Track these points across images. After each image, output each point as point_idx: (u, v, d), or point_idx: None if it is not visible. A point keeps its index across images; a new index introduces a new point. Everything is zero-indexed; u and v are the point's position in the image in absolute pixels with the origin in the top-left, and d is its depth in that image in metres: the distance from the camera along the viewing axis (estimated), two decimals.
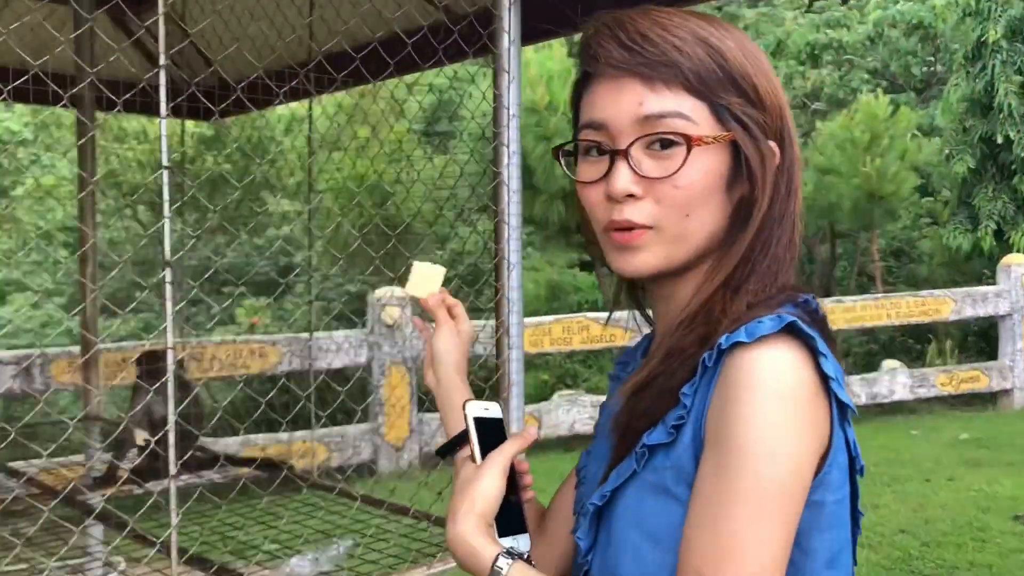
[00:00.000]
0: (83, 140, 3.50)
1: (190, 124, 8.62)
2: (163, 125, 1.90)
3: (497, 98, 2.55)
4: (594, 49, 0.94)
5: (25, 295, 11.41)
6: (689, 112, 0.91)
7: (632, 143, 0.92)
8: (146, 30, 4.27)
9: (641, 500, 0.90)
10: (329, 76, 2.92)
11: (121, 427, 3.37)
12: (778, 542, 0.81)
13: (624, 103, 0.92)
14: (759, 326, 0.84)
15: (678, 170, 0.90)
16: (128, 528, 2.07)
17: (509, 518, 0.95)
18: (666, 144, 0.91)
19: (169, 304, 1.93)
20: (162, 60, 1.87)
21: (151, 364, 3.62)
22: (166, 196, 1.93)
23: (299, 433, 6.10)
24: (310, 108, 3.39)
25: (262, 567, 2.26)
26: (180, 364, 3.57)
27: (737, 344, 0.84)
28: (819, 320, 0.91)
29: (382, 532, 2.76)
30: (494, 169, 2.61)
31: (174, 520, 1.95)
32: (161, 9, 1.83)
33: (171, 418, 1.91)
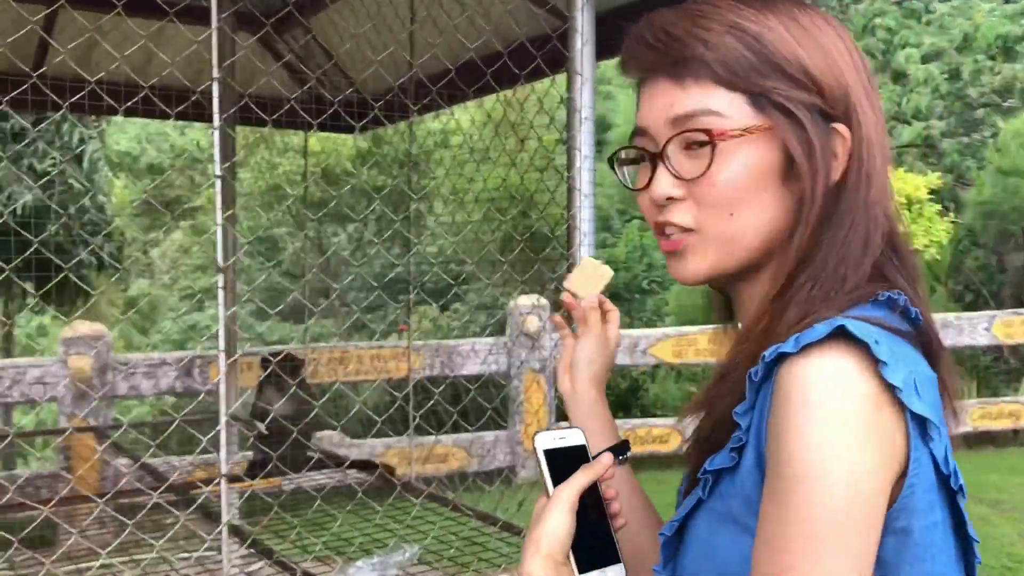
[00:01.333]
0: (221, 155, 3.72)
1: (347, 138, 9.04)
2: (216, 135, 2.00)
3: (570, 101, 2.52)
4: (626, 55, 0.93)
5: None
6: (720, 107, 0.86)
7: (665, 145, 0.89)
8: (287, 47, 4.52)
9: (711, 530, 0.84)
10: (428, 92, 3.04)
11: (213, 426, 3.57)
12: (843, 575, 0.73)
13: (658, 106, 0.90)
14: (808, 333, 0.76)
15: (708, 168, 0.86)
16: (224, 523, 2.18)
17: (596, 549, 0.89)
18: (700, 143, 0.87)
19: (221, 309, 2.03)
20: (215, 73, 1.97)
21: (274, 366, 3.81)
22: (218, 204, 2.03)
23: (428, 438, 6.25)
24: (410, 127, 3.47)
25: (326, 563, 2.34)
26: (297, 367, 3.73)
27: (784, 355, 0.76)
28: (912, 321, 0.83)
29: (472, 540, 2.78)
30: (566, 173, 2.59)
31: (224, 516, 2.04)
32: (213, 28, 1.92)
33: (222, 419, 2.01)
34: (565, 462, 0.92)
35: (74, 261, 6.93)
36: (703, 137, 0.86)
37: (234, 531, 2.94)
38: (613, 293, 11.75)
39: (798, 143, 0.85)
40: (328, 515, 2.84)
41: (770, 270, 0.89)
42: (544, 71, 2.85)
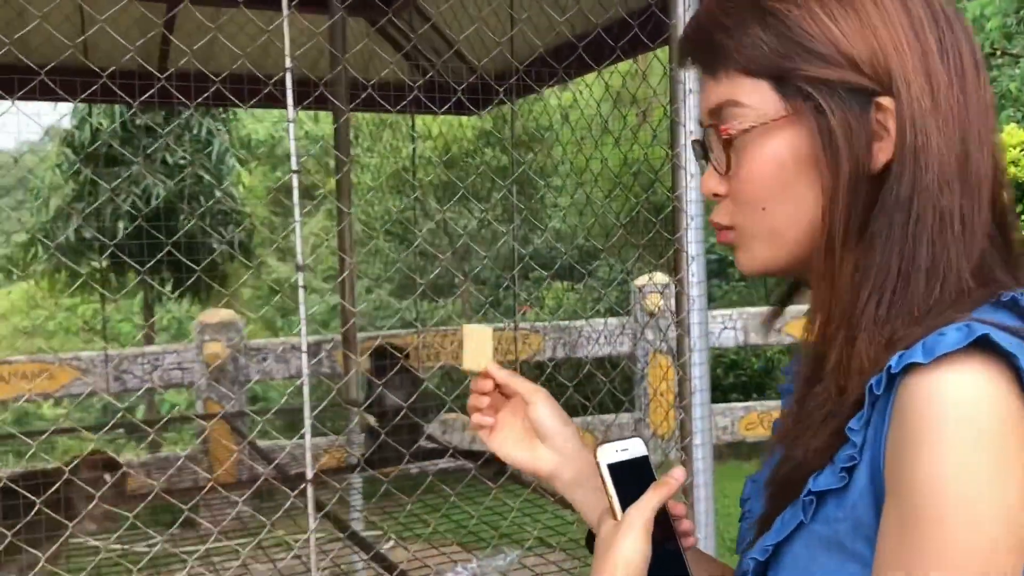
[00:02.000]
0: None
1: (468, 120, 9.02)
2: (291, 128, 1.93)
3: (673, 72, 2.34)
4: (678, 51, 0.98)
5: (362, 282, 12.61)
6: (745, 96, 0.81)
7: (703, 142, 0.87)
8: (398, 30, 4.49)
9: (812, 557, 0.75)
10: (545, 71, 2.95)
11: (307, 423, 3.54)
12: None
13: (703, 100, 0.88)
14: (940, 340, 0.67)
15: (727, 163, 0.83)
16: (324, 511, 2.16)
17: (666, 565, 0.86)
18: (727, 138, 0.84)
19: (303, 308, 1.97)
20: (287, 63, 1.91)
21: (380, 358, 3.81)
22: (296, 200, 1.97)
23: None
24: (512, 112, 3.35)
25: (434, 553, 2.28)
26: (401, 356, 3.70)
27: (913, 365, 0.68)
28: None
29: (568, 539, 2.67)
30: (669, 150, 2.40)
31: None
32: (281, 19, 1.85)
33: (307, 422, 1.96)
34: (630, 476, 0.88)
35: (207, 259, 7.19)
36: (717, 131, 0.83)
37: (338, 524, 2.93)
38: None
39: (818, 128, 0.78)
40: (430, 506, 2.78)
41: (841, 264, 0.80)
42: (647, 44, 2.67)
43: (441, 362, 6.47)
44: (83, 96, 3.35)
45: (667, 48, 2.49)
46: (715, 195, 0.86)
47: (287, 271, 15.16)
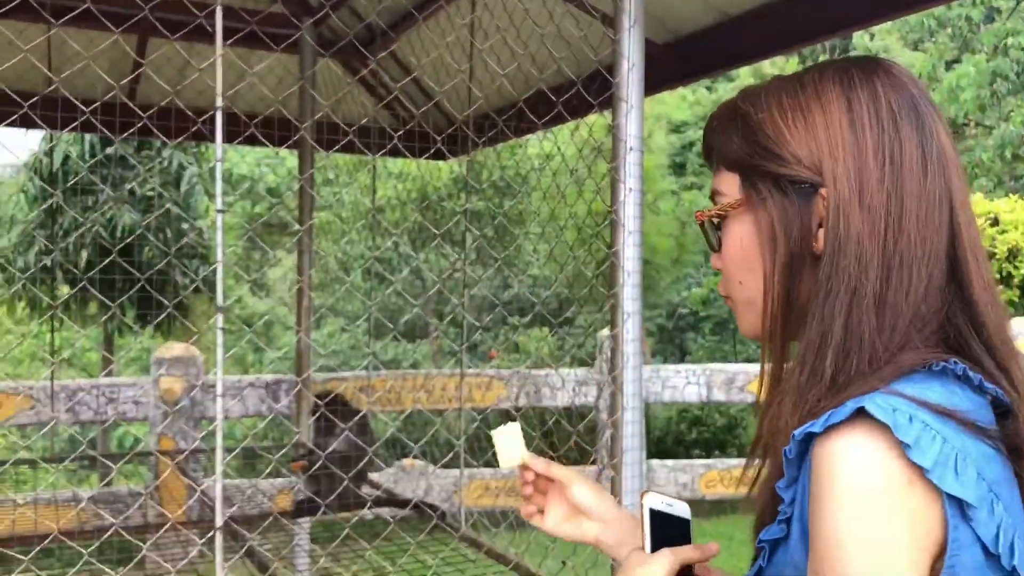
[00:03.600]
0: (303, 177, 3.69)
1: (446, 165, 9.05)
2: (218, 167, 1.90)
3: (615, 129, 2.33)
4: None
5: (337, 320, 12.53)
6: (723, 187, 0.96)
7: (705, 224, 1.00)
8: (371, 72, 4.49)
9: None
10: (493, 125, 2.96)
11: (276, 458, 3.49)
12: None
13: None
14: (836, 412, 0.78)
15: (716, 242, 0.98)
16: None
17: None
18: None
19: (220, 350, 1.93)
20: (218, 102, 1.88)
21: (320, 400, 3.74)
22: (219, 240, 1.93)
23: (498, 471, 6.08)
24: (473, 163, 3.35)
25: None
26: (337, 400, 3.64)
27: (813, 435, 0.79)
28: (976, 388, 0.83)
29: None
30: (609, 208, 2.39)
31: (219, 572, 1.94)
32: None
33: (219, 468, 1.90)
34: (667, 528, 0.96)
35: (173, 294, 7.11)
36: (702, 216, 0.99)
37: (262, 569, 2.85)
38: (718, 323, 11.37)
39: (761, 215, 0.91)
40: (383, 552, 2.69)
41: (782, 335, 0.93)
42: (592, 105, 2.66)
43: (403, 406, 6.40)
44: (47, 125, 3.32)
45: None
46: (715, 268, 1.00)
47: (262, 306, 15.07)
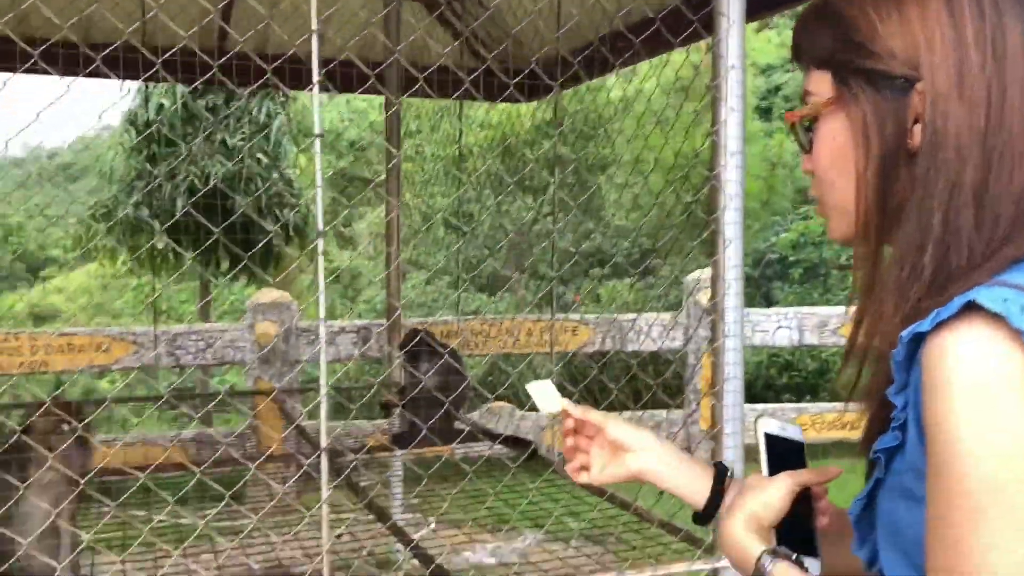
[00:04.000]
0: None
1: (527, 109, 8.97)
2: (315, 90, 1.91)
3: (715, 46, 2.26)
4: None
5: (421, 273, 12.69)
6: (814, 87, 0.94)
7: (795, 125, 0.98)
8: (454, 14, 4.46)
9: (892, 506, 0.85)
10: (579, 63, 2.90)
11: (370, 393, 3.55)
12: (1009, 548, 0.73)
13: None
14: (944, 309, 0.77)
15: (807, 144, 0.95)
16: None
17: (798, 538, 0.94)
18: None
19: (321, 275, 1.95)
20: (313, 25, 1.88)
21: (409, 339, 3.79)
22: (318, 166, 1.94)
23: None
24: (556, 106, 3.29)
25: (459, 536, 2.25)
26: (426, 336, 3.67)
27: (922, 334, 0.78)
28: None
29: (599, 525, 2.61)
30: (711, 129, 2.32)
31: (324, 493, 1.98)
32: None
33: (323, 390, 1.93)
34: (783, 452, 0.97)
35: (263, 241, 7.26)
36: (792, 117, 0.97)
37: (360, 496, 2.91)
38: (807, 268, 11.10)
39: (853, 112, 0.89)
40: (465, 491, 2.73)
41: (878, 239, 0.91)
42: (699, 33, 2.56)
43: (489, 351, 6.45)
44: (144, 76, 3.38)
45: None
46: (806, 171, 0.98)
47: (347, 260, 15.32)
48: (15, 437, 1.93)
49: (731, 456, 2.32)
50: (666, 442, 1.15)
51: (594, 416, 1.16)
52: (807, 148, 0.95)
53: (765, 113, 13.31)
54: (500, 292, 11.13)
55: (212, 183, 6.97)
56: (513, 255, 10.75)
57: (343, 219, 14.07)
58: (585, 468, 1.17)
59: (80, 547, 2.03)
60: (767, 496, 0.94)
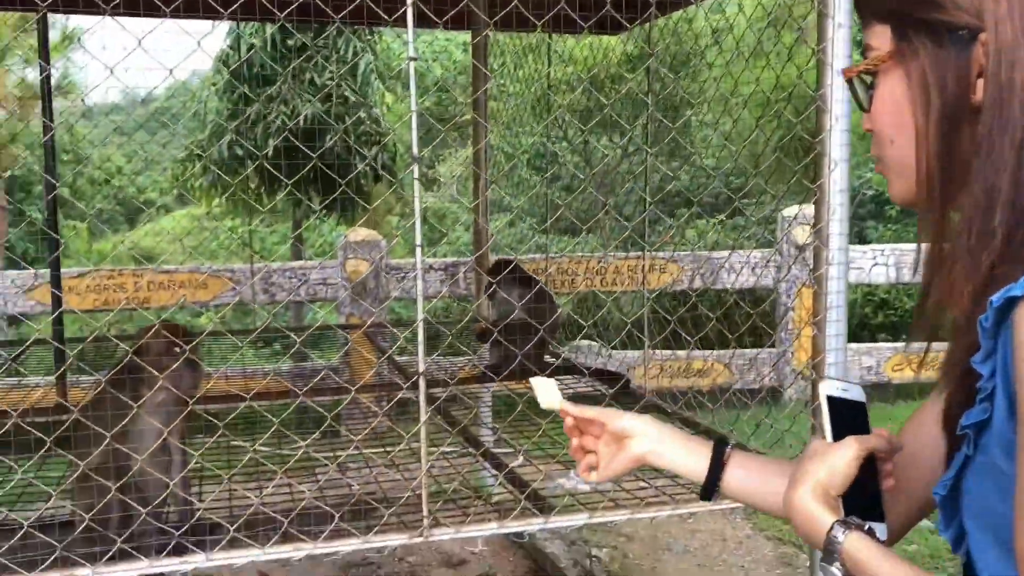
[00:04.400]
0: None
1: (615, 42, 8.77)
2: (409, 17, 1.88)
3: (821, 5, 2.16)
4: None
5: (504, 215, 12.70)
6: (875, 40, 0.90)
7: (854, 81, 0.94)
8: None
9: (981, 486, 0.82)
10: None
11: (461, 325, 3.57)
12: None
13: None
14: None
15: (866, 100, 0.91)
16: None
17: (864, 503, 0.91)
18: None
19: (417, 201, 1.95)
20: None
21: (498, 271, 3.80)
22: (412, 88, 1.93)
23: (699, 352, 6.04)
24: None
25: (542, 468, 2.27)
26: (515, 268, 3.67)
27: (1015, 299, 0.74)
28: None
29: None
30: (816, 47, 2.22)
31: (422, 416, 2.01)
32: None
33: (420, 316, 1.94)
34: (845, 414, 0.94)
35: (352, 178, 7.31)
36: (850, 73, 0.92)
37: (453, 425, 2.95)
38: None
39: (913, 66, 0.85)
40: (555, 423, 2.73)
41: (944, 198, 0.86)
42: None
43: (576, 288, 6.43)
44: (227, 14, 3.39)
45: None
46: (867, 130, 0.93)
47: (432, 201, 15.40)
48: (127, 358, 2.00)
49: None
50: (665, 425, 1.16)
51: (591, 413, 1.18)
52: (866, 106, 0.91)
53: (858, 46, 12.76)
54: (584, 233, 11.05)
55: (302, 122, 7.07)
56: (600, 194, 10.64)
57: (429, 158, 14.09)
58: (594, 467, 1.19)
59: (189, 464, 2.10)
60: (833, 463, 0.90)
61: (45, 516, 2.10)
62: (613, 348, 6.96)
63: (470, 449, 2.64)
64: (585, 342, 6.47)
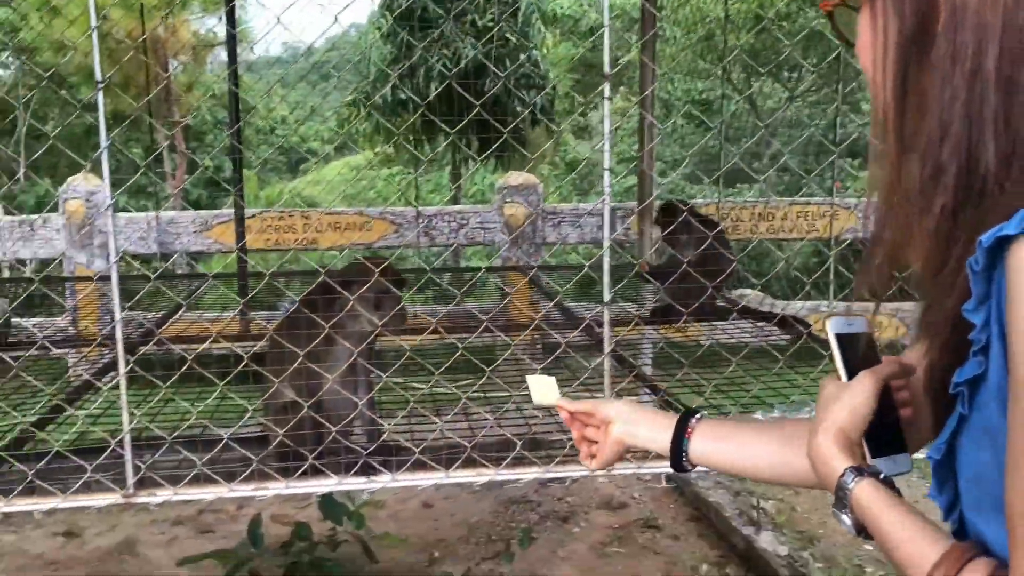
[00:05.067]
0: None
1: None
2: None
3: None
4: None
5: (658, 165, 12.47)
6: None
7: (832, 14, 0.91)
8: None
9: (977, 448, 0.76)
10: None
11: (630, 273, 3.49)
12: None
13: None
14: None
15: (847, 35, 0.88)
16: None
17: (884, 436, 0.90)
18: None
19: (607, 122, 1.87)
20: None
21: (668, 216, 3.68)
22: (606, 6, 1.85)
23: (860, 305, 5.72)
24: None
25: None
26: (689, 211, 3.54)
27: (1008, 238, 0.67)
28: None
29: None
30: None
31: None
32: None
33: (606, 239, 1.88)
34: (854, 348, 0.92)
35: (512, 122, 7.27)
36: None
37: (628, 367, 2.89)
38: None
39: (881, 9, 0.79)
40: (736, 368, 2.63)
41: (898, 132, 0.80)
42: None
43: (741, 235, 6.22)
44: None
45: None
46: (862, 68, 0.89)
47: (584, 151, 15.27)
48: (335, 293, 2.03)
49: None
50: (639, 405, 1.21)
51: (583, 406, 1.24)
52: (852, 40, 0.85)
53: None
54: (738, 185, 10.68)
55: (463, 65, 7.07)
56: (762, 141, 10.23)
57: (581, 105, 13.93)
58: (594, 456, 1.24)
59: (376, 387, 2.13)
60: (851, 403, 0.87)
61: (239, 432, 2.18)
62: (775, 297, 6.72)
63: (646, 390, 2.57)
64: (749, 291, 6.26)
